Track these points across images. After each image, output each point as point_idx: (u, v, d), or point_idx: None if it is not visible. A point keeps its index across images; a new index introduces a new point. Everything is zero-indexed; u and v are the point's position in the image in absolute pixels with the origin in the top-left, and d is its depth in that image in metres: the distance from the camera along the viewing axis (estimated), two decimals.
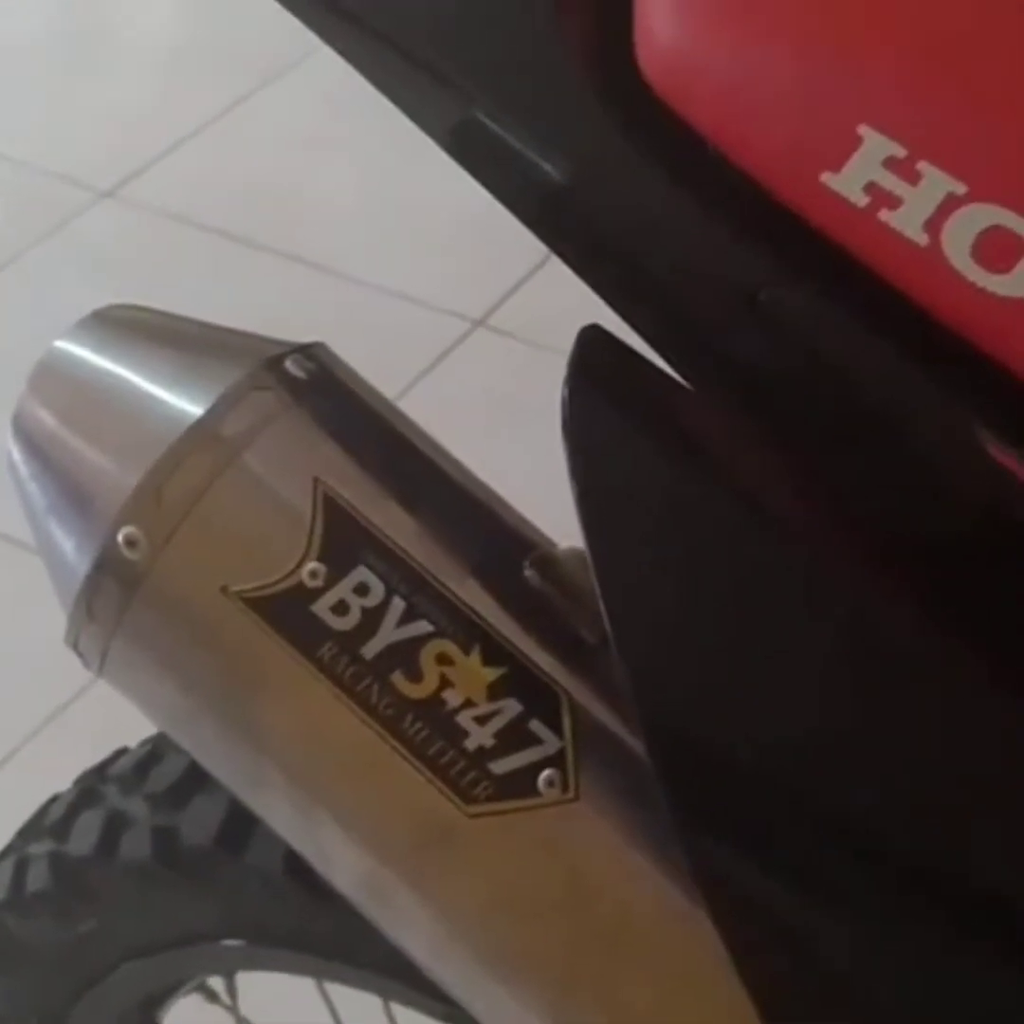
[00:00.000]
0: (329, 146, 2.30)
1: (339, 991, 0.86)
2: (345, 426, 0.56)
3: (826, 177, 0.47)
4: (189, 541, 0.54)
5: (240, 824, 0.76)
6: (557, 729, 0.52)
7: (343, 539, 0.53)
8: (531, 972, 0.55)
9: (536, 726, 0.52)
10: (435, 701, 0.52)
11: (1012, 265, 0.45)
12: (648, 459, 0.51)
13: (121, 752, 0.85)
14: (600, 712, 0.53)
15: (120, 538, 0.54)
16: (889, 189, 0.46)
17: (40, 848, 0.83)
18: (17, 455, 0.57)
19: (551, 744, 0.52)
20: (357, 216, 2.20)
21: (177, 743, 0.60)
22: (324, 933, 0.77)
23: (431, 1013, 0.79)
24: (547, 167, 0.52)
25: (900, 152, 0.45)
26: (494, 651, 0.53)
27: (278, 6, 0.56)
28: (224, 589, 0.53)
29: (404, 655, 0.53)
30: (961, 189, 0.45)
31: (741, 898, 0.50)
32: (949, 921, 0.49)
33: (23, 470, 0.57)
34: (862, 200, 0.46)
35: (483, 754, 0.52)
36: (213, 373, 0.56)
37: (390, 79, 0.56)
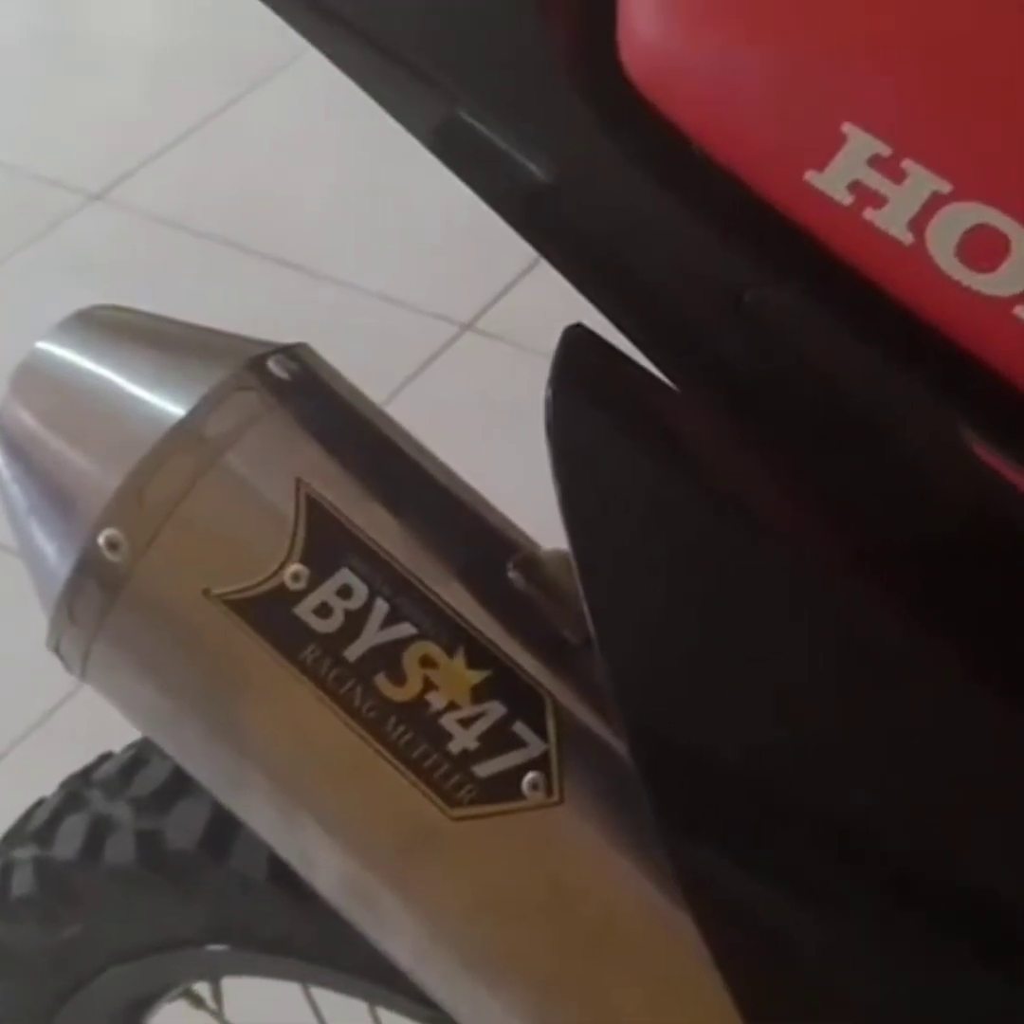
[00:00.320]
0: (317, 149, 2.29)
1: (325, 995, 0.86)
2: (328, 427, 0.55)
3: (810, 176, 0.46)
4: (171, 543, 0.54)
5: (224, 828, 0.76)
6: (541, 732, 0.52)
7: (326, 541, 0.53)
8: (515, 975, 0.54)
9: (520, 729, 0.52)
10: (419, 704, 0.52)
11: (997, 264, 0.45)
12: (632, 460, 0.51)
13: (106, 756, 0.84)
14: (584, 714, 0.53)
15: (102, 540, 0.54)
16: (874, 188, 0.46)
17: (25, 853, 0.83)
18: None
19: (535, 747, 0.52)
20: (345, 219, 2.19)
21: (160, 747, 0.59)
22: (309, 937, 0.77)
23: (416, 1017, 0.79)
24: (531, 167, 0.52)
25: (885, 150, 0.45)
26: (478, 653, 0.53)
27: (267, 9, 0.56)
28: (206, 591, 0.53)
29: (387, 658, 0.52)
30: (946, 188, 0.45)
31: (724, 900, 0.50)
32: (931, 921, 0.49)
33: (4, 472, 0.57)
34: (847, 199, 0.46)
35: (467, 757, 0.52)
36: (195, 374, 0.55)
37: (375, 80, 0.56)
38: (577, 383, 0.51)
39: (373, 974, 0.76)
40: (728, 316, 0.50)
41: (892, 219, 0.46)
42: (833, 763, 0.49)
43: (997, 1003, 0.48)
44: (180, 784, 0.78)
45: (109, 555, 0.54)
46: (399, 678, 0.52)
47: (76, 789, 0.84)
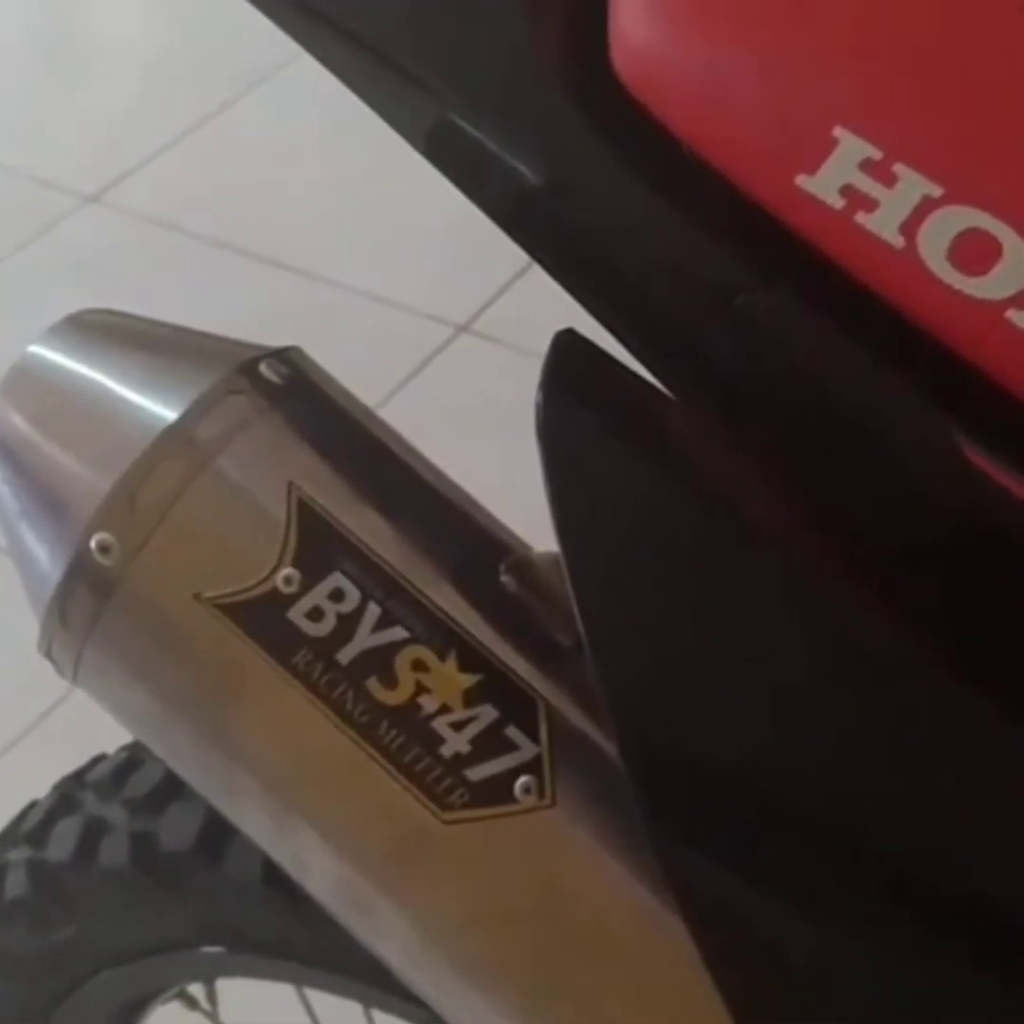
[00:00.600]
0: (312, 151, 2.30)
1: (319, 997, 0.86)
2: (320, 430, 0.55)
3: (802, 179, 0.46)
4: (163, 547, 0.53)
5: (218, 830, 0.76)
6: (533, 735, 0.52)
7: (318, 545, 0.53)
8: (507, 979, 0.54)
9: (512, 732, 0.52)
10: (411, 707, 0.52)
11: (988, 267, 0.45)
12: (623, 463, 0.51)
13: (99, 759, 0.84)
14: (576, 718, 0.53)
15: (93, 544, 0.54)
16: (865, 191, 0.46)
17: (18, 855, 0.83)
18: None
19: (527, 750, 0.52)
20: (340, 221, 2.19)
21: (151, 750, 0.59)
22: (303, 939, 0.77)
23: (410, 1019, 0.79)
24: (522, 170, 0.52)
25: (876, 154, 0.45)
26: (470, 657, 0.52)
27: (262, 13, 0.56)
28: (198, 595, 0.53)
29: (379, 661, 0.52)
30: (937, 191, 0.45)
31: (714, 902, 0.50)
32: (922, 923, 0.49)
33: None
34: (838, 202, 0.46)
35: (459, 761, 0.52)
36: (187, 377, 0.55)
37: (367, 83, 0.56)
38: (568, 387, 0.51)
39: (367, 976, 0.76)
40: (719, 320, 0.50)
41: (883, 223, 0.46)
42: (824, 766, 0.49)
43: (989, 1004, 0.48)
44: (173, 786, 0.78)
45: (101, 559, 0.54)
46: (391, 682, 0.52)
47: (69, 791, 0.84)
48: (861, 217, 0.46)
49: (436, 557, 0.54)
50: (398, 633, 0.52)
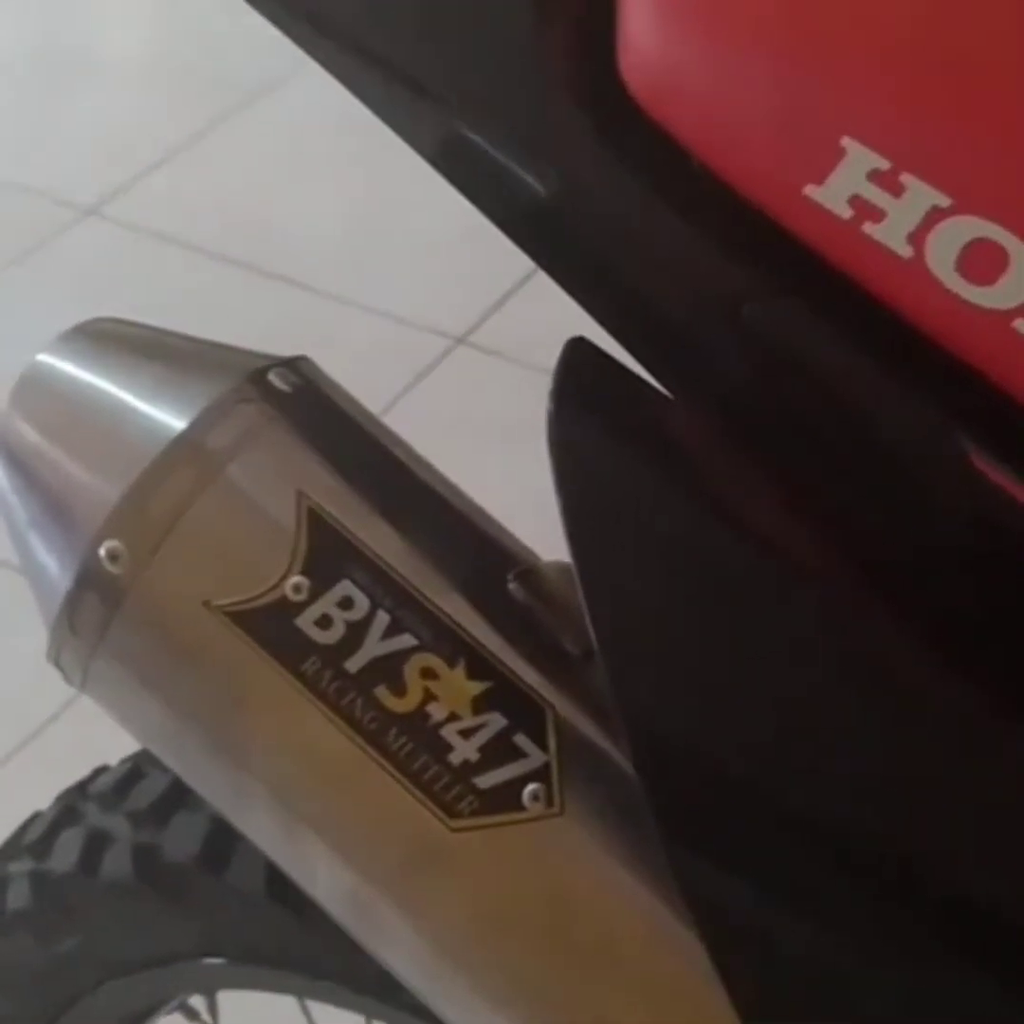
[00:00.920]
0: (311, 164, 2.30)
1: (321, 1009, 0.86)
2: (329, 439, 0.56)
3: (810, 189, 0.47)
4: (172, 555, 0.54)
5: (222, 841, 0.76)
6: (542, 743, 0.52)
7: (327, 553, 0.53)
8: (515, 986, 0.54)
9: (521, 740, 0.52)
10: (419, 715, 0.52)
11: (996, 277, 0.45)
12: (634, 473, 0.51)
13: (102, 769, 0.84)
14: (585, 726, 0.53)
15: (103, 552, 0.54)
16: (873, 201, 0.46)
17: (21, 866, 0.83)
18: None
19: (536, 758, 0.52)
20: (339, 233, 2.20)
21: (160, 759, 0.59)
22: (306, 951, 0.77)
23: None
24: (532, 181, 0.52)
25: (884, 164, 0.46)
26: (478, 665, 0.53)
27: (262, 25, 0.56)
28: (207, 603, 0.53)
29: (388, 669, 0.52)
30: (945, 201, 0.45)
31: (728, 911, 0.50)
32: (936, 931, 0.49)
33: (5, 484, 0.57)
34: (846, 212, 0.46)
35: (467, 768, 0.52)
36: (197, 386, 0.55)
37: (376, 94, 0.56)
38: (579, 396, 0.51)
39: (370, 988, 0.76)
40: (728, 329, 0.50)
41: (891, 233, 0.46)
42: (837, 776, 0.49)
43: (993, 1007, 0.48)
44: (177, 797, 0.78)
45: (110, 567, 0.54)
46: (400, 689, 0.52)
47: (72, 802, 0.84)
48: (869, 227, 0.46)
49: (445, 565, 0.54)
50: (407, 641, 0.53)
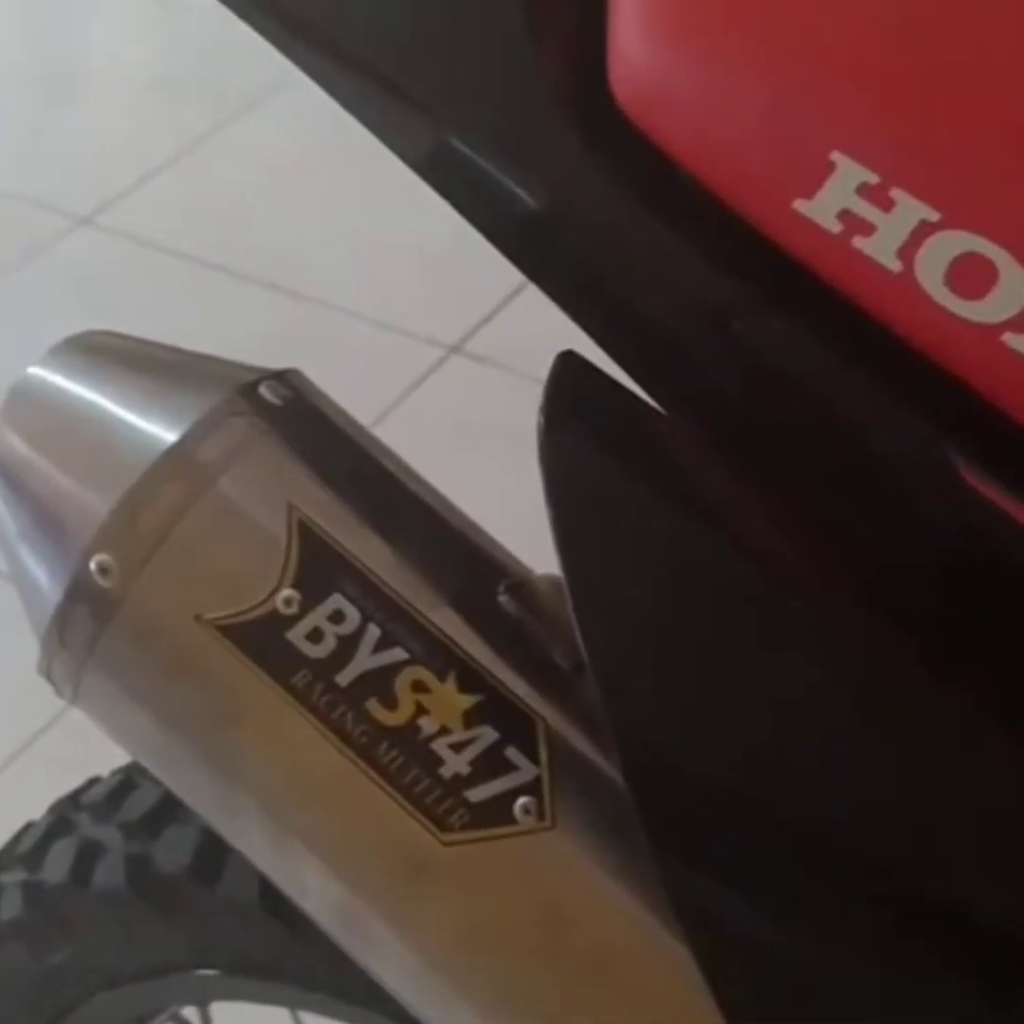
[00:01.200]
0: (305, 173, 2.30)
1: (314, 1021, 0.86)
2: (320, 452, 0.56)
3: (799, 204, 0.47)
4: (163, 569, 0.54)
5: (214, 853, 0.76)
6: (533, 756, 0.52)
7: (318, 566, 0.53)
8: (506, 1000, 0.54)
9: (512, 753, 0.52)
10: (410, 729, 0.52)
11: (985, 291, 0.45)
12: (625, 486, 0.51)
13: (95, 780, 0.84)
14: (576, 739, 0.53)
15: (93, 566, 0.54)
16: (862, 216, 0.46)
17: (13, 877, 0.83)
18: None
19: (527, 771, 0.52)
20: (333, 242, 2.20)
21: (150, 771, 0.59)
22: (299, 962, 0.77)
23: None
24: (521, 193, 0.52)
25: (873, 179, 0.46)
26: (470, 678, 0.53)
27: (256, 37, 0.56)
28: (198, 617, 0.53)
29: (379, 682, 0.52)
30: (934, 216, 0.45)
31: (718, 924, 0.50)
32: (926, 941, 0.49)
33: None
34: (835, 227, 0.46)
35: (459, 782, 0.52)
36: (187, 399, 0.55)
37: (366, 105, 0.56)
38: (570, 409, 0.51)
39: (362, 1000, 0.76)
40: (718, 343, 0.50)
41: (881, 247, 0.46)
42: (828, 787, 0.49)
43: (980, 1014, 0.48)
44: (170, 808, 0.78)
45: (101, 580, 0.54)
46: (391, 703, 0.52)
47: (65, 813, 0.83)
48: (859, 241, 0.46)
49: (436, 579, 0.54)
50: (398, 654, 0.53)
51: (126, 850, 0.79)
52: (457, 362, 1.99)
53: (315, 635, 0.53)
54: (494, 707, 0.52)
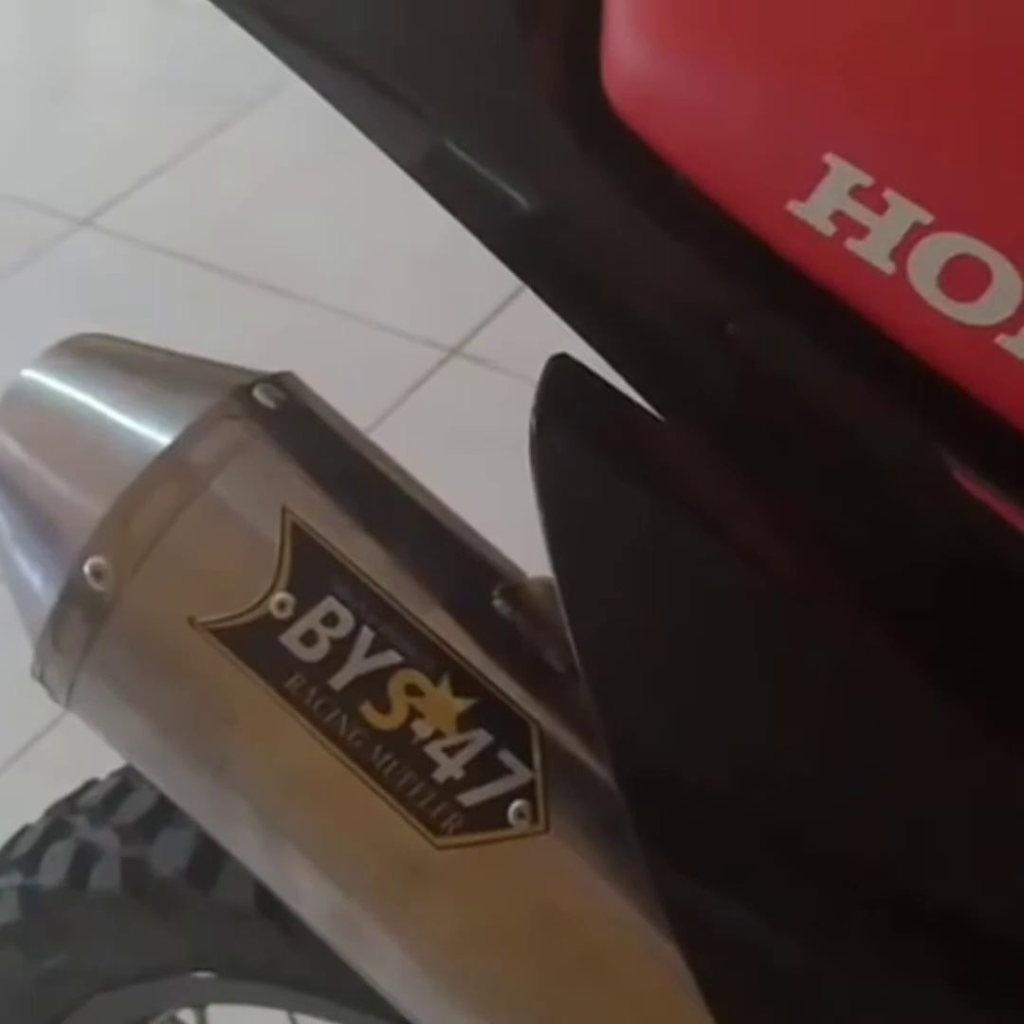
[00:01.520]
0: (305, 176, 2.30)
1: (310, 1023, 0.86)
2: (314, 456, 0.55)
3: (793, 206, 0.47)
4: (157, 572, 0.53)
5: (211, 855, 0.76)
6: (527, 760, 0.52)
7: (312, 569, 0.53)
8: (500, 1004, 0.54)
9: (506, 757, 0.52)
10: (404, 732, 0.52)
11: (978, 294, 0.45)
12: (616, 489, 0.51)
13: (91, 783, 0.84)
14: (570, 742, 0.53)
15: (87, 569, 0.54)
16: (856, 218, 0.46)
17: (9, 880, 0.83)
18: None
19: (521, 775, 0.52)
20: (333, 244, 2.20)
21: (144, 775, 0.59)
22: (295, 965, 0.77)
23: None
24: (516, 196, 0.52)
25: (866, 181, 0.46)
26: (463, 682, 0.53)
27: (255, 39, 0.56)
28: (192, 620, 0.53)
29: (373, 686, 0.52)
30: (927, 218, 0.45)
31: (709, 927, 0.49)
32: (916, 949, 0.49)
33: None
34: (829, 229, 0.46)
35: (452, 785, 0.52)
36: (181, 402, 0.55)
37: (360, 108, 0.56)
38: (561, 412, 0.51)
39: (359, 1002, 0.76)
40: (712, 345, 0.50)
41: (874, 249, 0.46)
42: (819, 791, 0.49)
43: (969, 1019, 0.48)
44: (166, 811, 0.78)
45: (94, 584, 0.54)
46: (384, 707, 0.52)
47: (61, 816, 0.83)
48: (852, 243, 0.46)
49: (429, 582, 0.54)
50: (391, 658, 0.53)
51: (122, 853, 0.79)
52: (456, 364, 1.99)
53: (309, 638, 0.53)
54: (488, 711, 0.52)
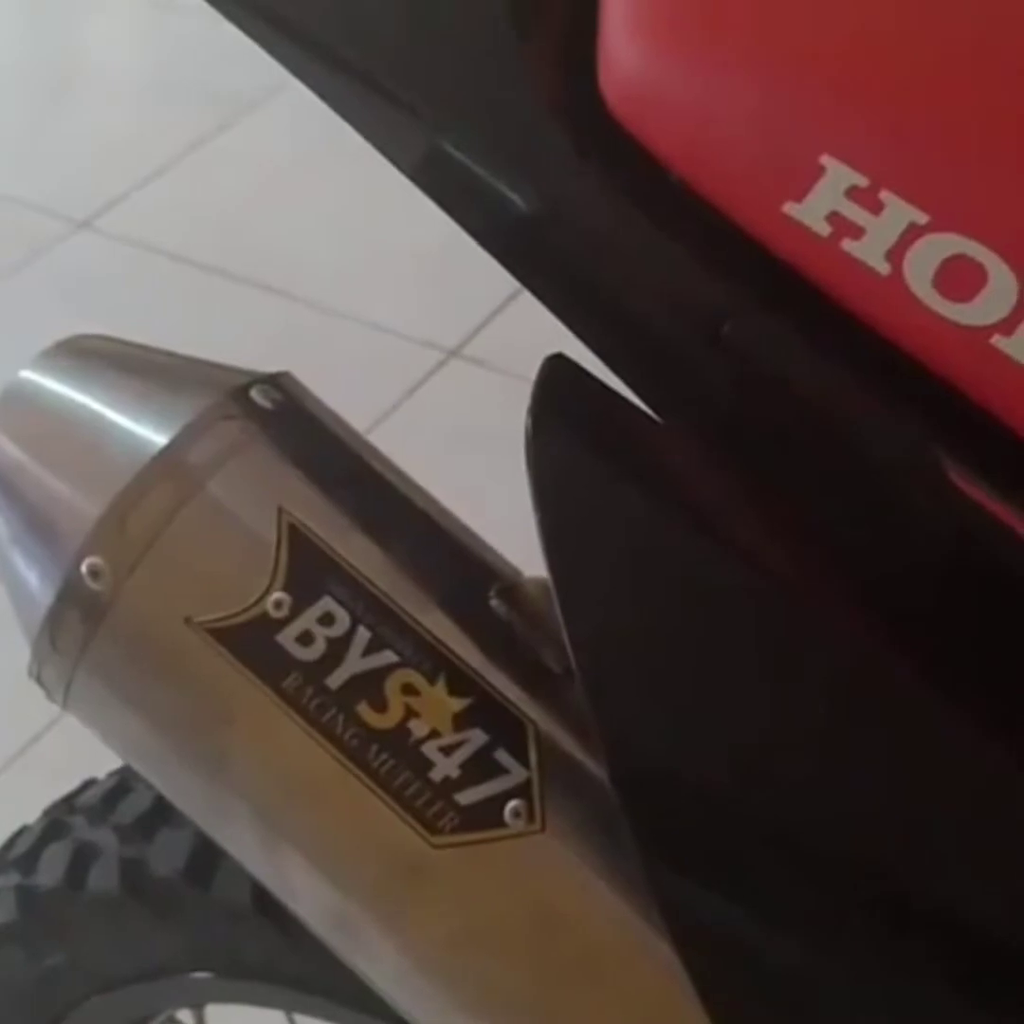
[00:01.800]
0: (304, 177, 2.30)
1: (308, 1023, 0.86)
2: (311, 456, 0.56)
3: (789, 207, 0.47)
4: (153, 571, 0.54)
5: (208, 855, 0.76)
6: (523, 759, 0.52)
7: (308, 569, 0.53)
8: (497, 1003, 0.54)
9: (502, 756, 0.52)
10: (400, 731, 0.52)
11: (974, 294, 0.45)
12: (612, 489, 0.51)
13: (89, 783, 0.84)
14: (566, 742, 0.53)
15: (84, 569, 0.54)
16: (851, 219, 0.46)
17: (7, 880, 0.83)
18: None
19: (517, 774, 0.52)
20: (331, 246, 2.20)
21: (141, 775, 0.59)
22: (293, 965, 0.77)
23: None
24: (512, 198, 0.52)
25: (862, 182, 0.46)
26: (459, 681, 0.53)
27: (252, 40, 0.56)
28: (188, 620, 0.53)
29: (369, 685, 0.52)
30: (923, 219, 0.45)
31: (705, 927, 0.50)
32: (912, 950, 0.49)
33: None
34: (825, 230, 0.46)
35: (448, 785, 0.52)
36: (178, 403, 0.55)
37: (357, 110, 0.56)
38: (557, 412, 0.51)
39: (357, 1002, 0.76)
40: (708, 346, 0.50)
41: (870, 250, 0.46)
42: (815, 792, 0.49)
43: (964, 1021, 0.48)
44: (164, 811, 0.78)
45: (91, 583, 0.54)
46: (381, 706, 0.52)
47: (59, 816, 0.83)
48: (848, 244, 0.46)
49: (426, 581, 0.54)
50: (388, 657, 0.53)
51: (120, 853, 0.79)
52: (455, 365, 1.99)
53: (305, 638, 0.53)
54: (484, 710, 0.52)
